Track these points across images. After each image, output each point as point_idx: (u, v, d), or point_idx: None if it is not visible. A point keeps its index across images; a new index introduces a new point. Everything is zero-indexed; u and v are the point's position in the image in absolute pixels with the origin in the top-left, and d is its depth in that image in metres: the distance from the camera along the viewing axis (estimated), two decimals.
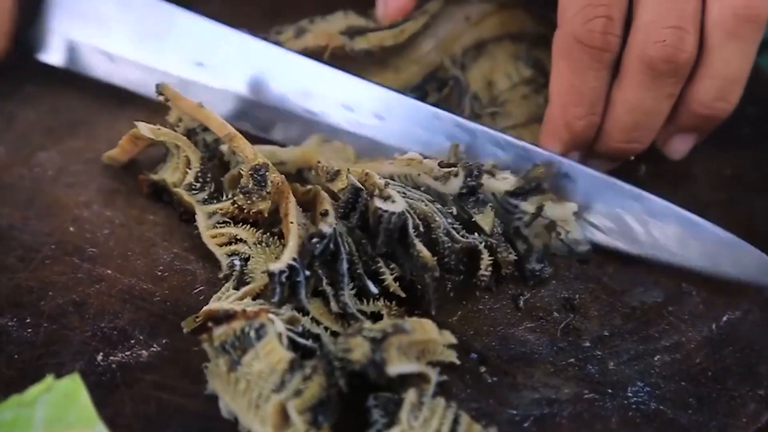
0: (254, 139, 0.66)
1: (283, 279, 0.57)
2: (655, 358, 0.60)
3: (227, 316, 0.55)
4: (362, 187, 0.61)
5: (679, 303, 0.63)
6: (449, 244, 0.61)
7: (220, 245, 0.63)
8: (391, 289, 0.60)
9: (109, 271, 0.63)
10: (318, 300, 0.60)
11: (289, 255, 0.58)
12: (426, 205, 0.62)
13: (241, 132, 0.64)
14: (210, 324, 0.55)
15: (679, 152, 0.70)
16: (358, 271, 0.60)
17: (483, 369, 0.59)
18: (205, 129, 0.66)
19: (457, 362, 0.58)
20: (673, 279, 0.64)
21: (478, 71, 0.74)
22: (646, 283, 0.64)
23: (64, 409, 0.52)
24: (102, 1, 0.71)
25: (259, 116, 0.70)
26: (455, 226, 0.62)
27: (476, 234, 0.62)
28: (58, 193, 0.67)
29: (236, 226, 0.63)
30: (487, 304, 0.63)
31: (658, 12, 0.63)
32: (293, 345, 0.56)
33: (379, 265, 0.60)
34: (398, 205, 0.60)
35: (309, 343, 0.57)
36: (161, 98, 0.66)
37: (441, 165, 0.64)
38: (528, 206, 0.64)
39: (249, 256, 0.61)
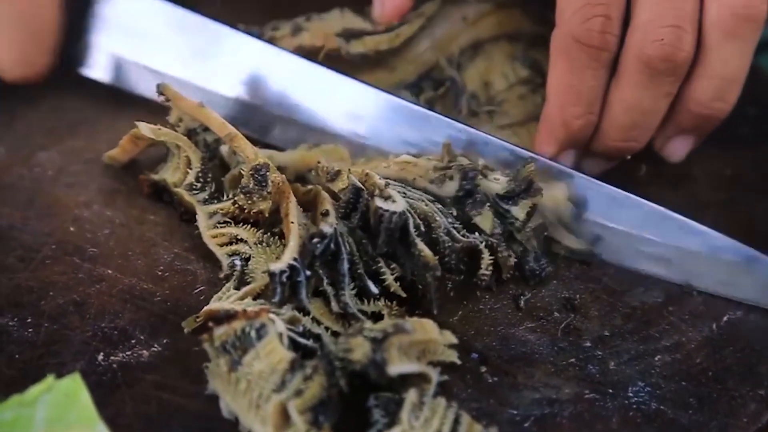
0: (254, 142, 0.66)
1: (284, 279, 0.57)
2: (656, 358, 0.60)
3: (228, 316, 0.55)
4: (363, 187, 0.61)
5: (680, 303, 0.63)
6: (450, 244, 0.61)
7: (221, 245, 0.63)
8: (392, 289, 0.60)
9: (109, 271, 0.63)
10: (319, 300, 0.60)
11: (289, 255, 0.58)
12: (426, 205, 0.62)
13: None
14: (211, 324, 0.55)
15: (678, 155, 0.70)
16: (359, 271, 0.60)
17: (484, 369, 0.59)
18: (206, 129, 0.66)
19: (458, 362, 0.58)
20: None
21: (474, 71, 0.74)
22: (646, 283, 0.64)
23: (65, 409, 0.52)
24: (150, 18, 0.70)
25: (296, 135, 0.70)
26: (456, 225, 0.62)
27: (477, 233, 0.63)
28: (59, 193, 0.67)
29: (237, 226, 0.63)
30: (488, 304, 0.63)
31: (656, 11, 0.63)
32: (294, 345, 0.56)
33: (379, 265, 0.60)
34: (399, 204, 0.60)
35: (310, 343, 0.57)
36: (162, 98, 0.66)
37: (435, 170, 0.64)
38: (518, 211, 0.64)
39: (250, 256, 0.61)
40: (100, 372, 0.57)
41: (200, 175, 0.65)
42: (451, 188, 0.63)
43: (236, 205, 0.62)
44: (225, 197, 0.64)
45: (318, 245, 0.58)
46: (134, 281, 0.62)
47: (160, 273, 0.63)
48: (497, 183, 0.64)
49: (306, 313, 0.59)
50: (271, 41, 0.71)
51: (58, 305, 0.61)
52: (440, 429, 0.53)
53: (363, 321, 0.59)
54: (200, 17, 0.70)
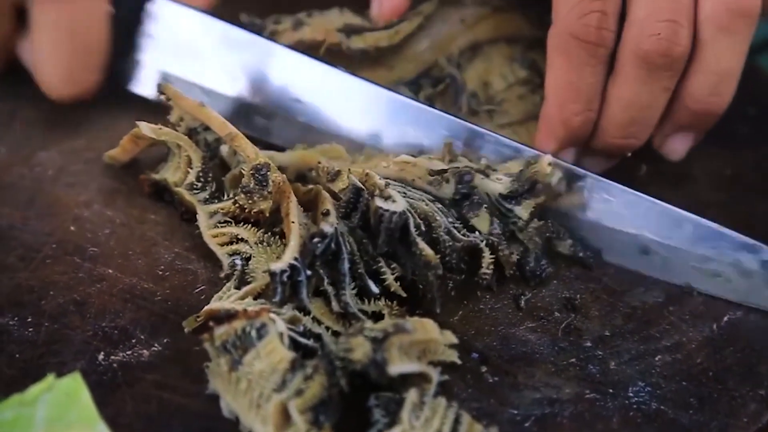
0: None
1: (285, 278, 0.57)
2: (656, 358, 0.60)
3: (228, 316, 0.55)
4: (363, 187, 0.61)
5: (680, 303, 0.63)
6: (450, 243, 0.61)
7: (222, 245, 0.63)
8: (392, 289, 0.60)
9: (110, 271, 0.63)
10: (319, 300, 0.60)
11: (290, 254, 0.58)
12: (426, 205, 0.62)
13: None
14: (211, 323, 0.55)
15: (677, 153, 0.70)
16: (360, 270, 0.60)
17: (484, 369, 0.59)
18: (207, 128, 0.66)
19: (459, 362, 0.58)
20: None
21: (473, 72, 0.74)
22: (646, 283, 0.64)
23: (65, 409, 0.52)
24: (197, 34, 0.70)
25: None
26: (456, 225, 0.62)
27: (477, 233, 0.63)
28: (59, 193, 0.67)
29: (237, 225, 0.63)
30: (489, 304, 0.63)
31: (652, 7, 0.63)
32: (294, 344, 0.56)
33: (380, 264, 0.60)
34: (399, 204, 0.60)
35: (310, 342, 0.57)
36: (162, 97, 0.67)
37: (431, 174, 0.64)
38: (522, 211, 0.64)
39: (250, 255, 0.61)
40: (100, 371, 0.57)
41: (201, 174, 0.65)
42: (447, 191, 0.64)
43: (237, 205, 0.62)
44: (226, 197, 0.64)
45: (319, 245, 0.58)
46: (135, 281, 0.62)
47: (160, 272, 0.63)
48: (500, 183, 0.64)
49: (306, 312, 0.59)
50: (272, 35, 0.71)
51: (59, 305, 0.61)
52: (441, 429, 0.53)
53: (363, 321, 0.59)
54: (248, 33, 0.69)
